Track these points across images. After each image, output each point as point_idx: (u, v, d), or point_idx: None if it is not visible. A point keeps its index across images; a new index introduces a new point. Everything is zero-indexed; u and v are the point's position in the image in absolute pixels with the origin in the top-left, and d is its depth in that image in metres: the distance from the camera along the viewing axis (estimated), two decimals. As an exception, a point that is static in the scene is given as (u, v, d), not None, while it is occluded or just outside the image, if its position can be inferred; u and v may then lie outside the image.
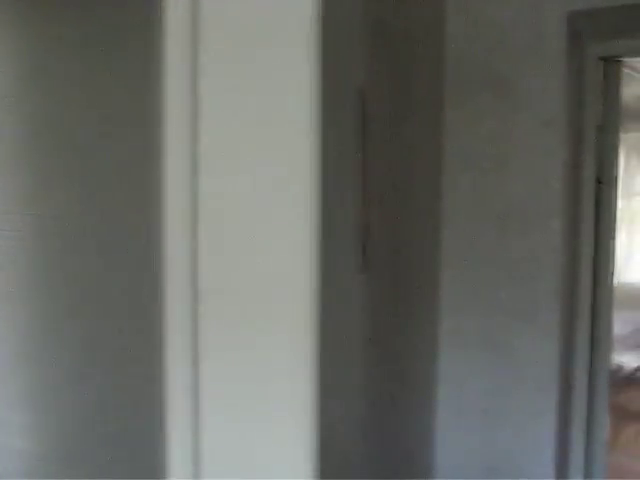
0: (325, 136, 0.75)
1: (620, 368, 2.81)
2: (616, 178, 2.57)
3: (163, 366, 0.81)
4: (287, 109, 0.75)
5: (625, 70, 2.58)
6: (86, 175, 1.27)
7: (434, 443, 2.48)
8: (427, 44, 2.36)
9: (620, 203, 2.60)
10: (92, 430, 1.23)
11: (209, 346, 0.79)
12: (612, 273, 2.55)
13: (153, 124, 0.81)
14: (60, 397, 1.27)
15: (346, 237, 0.86)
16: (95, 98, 1.25)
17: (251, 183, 0.77)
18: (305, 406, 0.76)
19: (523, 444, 2.40)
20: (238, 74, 0.77)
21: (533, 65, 2.38)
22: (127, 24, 1.15)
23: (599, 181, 2.54)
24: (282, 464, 0.78)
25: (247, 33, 0.77)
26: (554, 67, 2.37)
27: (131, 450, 1.15)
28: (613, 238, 2.55)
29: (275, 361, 0.77)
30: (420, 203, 2.31)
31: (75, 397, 1.26)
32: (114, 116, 1.19)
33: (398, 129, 2.11)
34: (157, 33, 0.81)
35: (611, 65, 2.54)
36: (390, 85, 2.05)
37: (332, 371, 0.80)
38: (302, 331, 0.75)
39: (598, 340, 2.53)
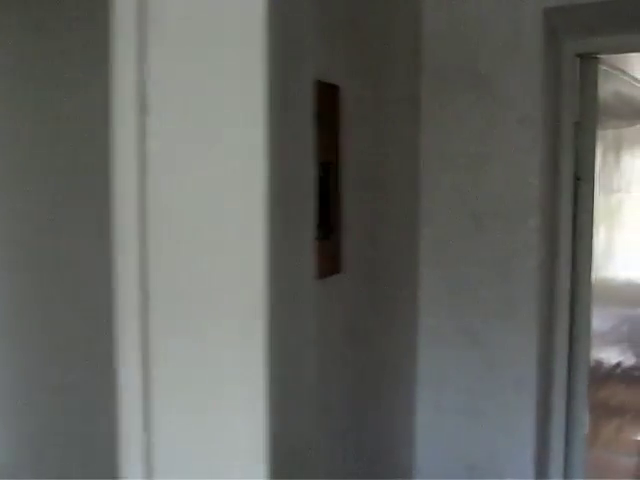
0: (276, 136, 0.74)
1: (600, 364, 2.82)
2: (594, 175, 2.57)
3: (114, 368, 0.80)
4: (236, 108, 0.74)
5: (602, 67, 2.58)
6: (34, 175, 1.25)
7: (414, 442, 2.47)
8: (404, 42, 2.35)
9: (598, 200, 2.60)
10: (44, 431, 1.21)
11: (160, 348, 0.78)
12: (591, 270, 2.55)
13: (101, 124, 0.80)
14: (11, 399, 1.26)
15: (301, 238, 0.84)
16: (43, 99, 1.23)
17: (200, 183, 0.76)
18: (256, 408, 0.74)
19: (503, 441, 2.39)
20: (186, 71, 0.76)
21: (510, 62, 2.37)
22: (74, 24, 1.13)
23: (577, 178, 2.54)
24: (235, 464, 0.76)
25: (195, 29, 0.75)
26: (531, 64, 2.37)
27: (83, 450, 1.13)
28: (591, 235, 2.55)
29: (226, 362, 0.76)
30: (399, 202, 2.30)
31: (26, 399, 1.24)
32: (61, 116, 1.17)
33: (376, 128, 2.10)
34: (105, 31, 0.79)
35: (588, 62, 2.53)
36: (367, 83, 2.03)
37: (285, 372, 0.79)
38: (253, 334, 0.74)
39: (577, 337, 2.53)
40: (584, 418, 2.55)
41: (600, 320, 2.70)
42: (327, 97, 1.76)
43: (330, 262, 1.76)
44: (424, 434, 2.45)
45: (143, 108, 0.77)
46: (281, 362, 0.76)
